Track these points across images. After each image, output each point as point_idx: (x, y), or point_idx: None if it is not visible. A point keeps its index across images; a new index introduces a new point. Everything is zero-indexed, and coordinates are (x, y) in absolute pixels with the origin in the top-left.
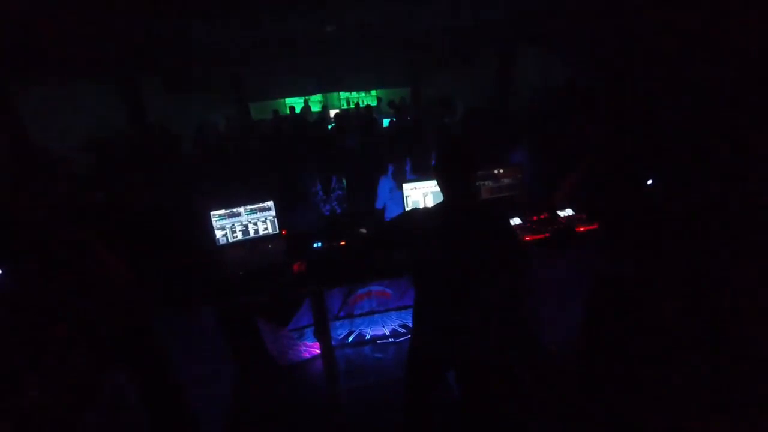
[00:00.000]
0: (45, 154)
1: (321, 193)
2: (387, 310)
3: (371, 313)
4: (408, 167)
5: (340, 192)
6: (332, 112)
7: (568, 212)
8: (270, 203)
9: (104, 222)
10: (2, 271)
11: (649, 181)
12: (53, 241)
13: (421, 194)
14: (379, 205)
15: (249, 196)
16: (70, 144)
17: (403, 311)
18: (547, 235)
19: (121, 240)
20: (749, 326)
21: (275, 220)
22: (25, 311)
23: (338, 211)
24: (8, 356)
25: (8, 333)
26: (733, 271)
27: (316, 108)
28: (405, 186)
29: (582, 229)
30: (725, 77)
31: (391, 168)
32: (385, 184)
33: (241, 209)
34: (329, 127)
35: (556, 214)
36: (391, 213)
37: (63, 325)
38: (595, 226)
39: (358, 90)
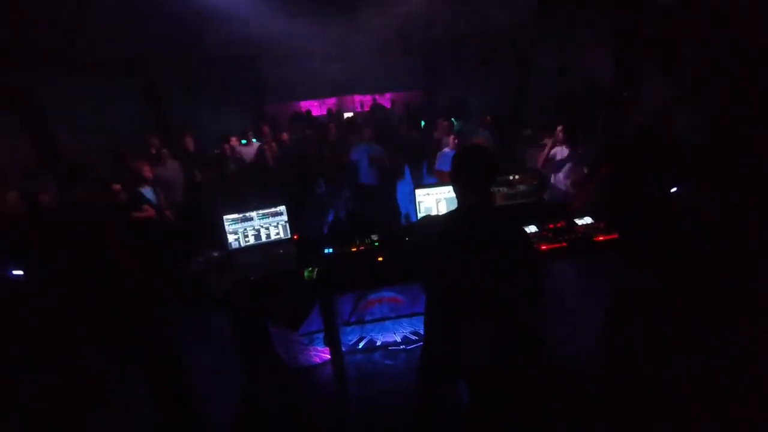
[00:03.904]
0: (69, 156)
1: (343, 191)
2: (398, 317)
3: (382, 319)
4: (425, 169)
5: (347, 193)
6: (346, 115)
7: (587, 220)
8: (282, 208)
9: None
10: (23, 272)
11: (674, 189)
12: (72, 242)
13: (434, 200)
14: (403, 210)
15: (262, 200)
16: (96, 144)
17: (414, 318)
18: (564, 244)
19: (136, 241)
20: None
21: (287, 225)
22: (42, 311)
23: (342, 213)
24: (21, 353)
25: (24, 331)
26: (754, 279)
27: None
28: (418, 192)
29: (601, 238)
30: (750, 85)
31: (408, 171)
32: (403, 188)
33: (254, 213)
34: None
35: (574, 222)
36: (414, 218)
37: (77, 324)
38: (614, 236)
39: (372, 93)
